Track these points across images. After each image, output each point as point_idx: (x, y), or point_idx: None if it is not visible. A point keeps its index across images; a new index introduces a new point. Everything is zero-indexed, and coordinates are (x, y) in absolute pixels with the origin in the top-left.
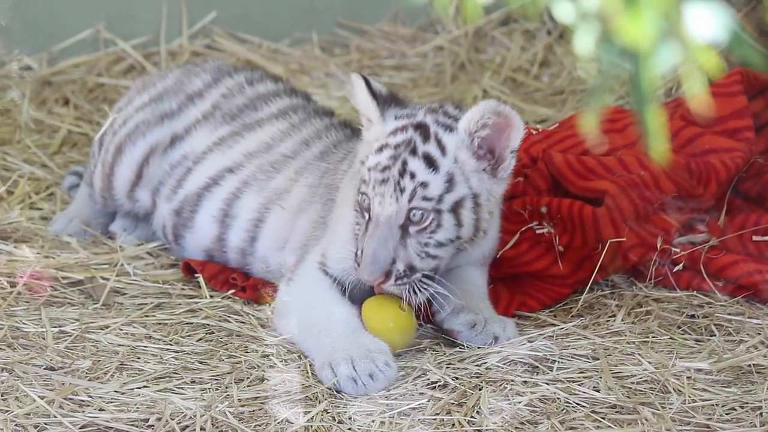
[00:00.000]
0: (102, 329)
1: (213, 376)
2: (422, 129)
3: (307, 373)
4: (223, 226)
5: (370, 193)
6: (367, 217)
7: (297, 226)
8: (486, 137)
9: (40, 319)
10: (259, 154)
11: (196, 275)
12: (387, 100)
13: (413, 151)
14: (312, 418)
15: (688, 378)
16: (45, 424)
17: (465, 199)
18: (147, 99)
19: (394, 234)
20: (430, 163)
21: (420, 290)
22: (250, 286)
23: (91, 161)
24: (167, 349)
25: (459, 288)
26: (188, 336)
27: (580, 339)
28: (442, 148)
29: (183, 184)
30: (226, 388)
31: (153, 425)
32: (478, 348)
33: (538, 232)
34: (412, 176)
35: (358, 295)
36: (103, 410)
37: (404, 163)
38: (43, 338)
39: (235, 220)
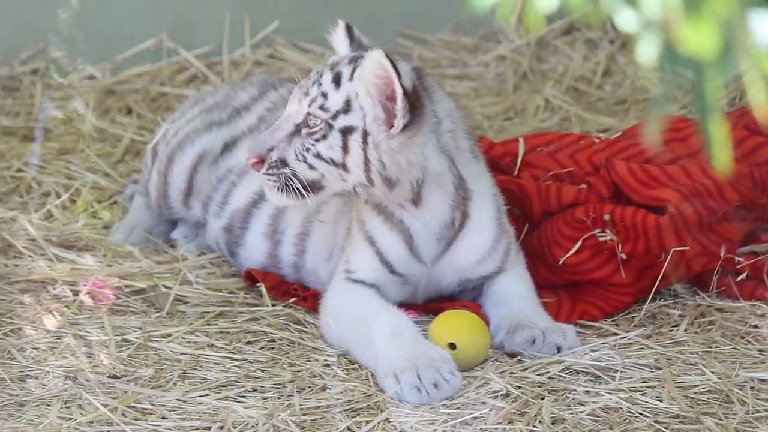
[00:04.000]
0: (164, 337)
1: (275, 384)
2: (353, 58)
3: (369, 382)
4: (273, 241)
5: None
6: None
7: (337, 237)
8: (380, 87)
9: (103, 327)
10: None
11: (258, 284)
12: (367, 48)
13: (331, 68)
14: (374, 427)
15: (751, 388)
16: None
17: (356, 129)
18: (198, 111)
19: (287, 128)
20: (337, 80)
21: (285, 186)
22: (311, 296)
23: (145, 171)
24: (229, 358)
25: (506, 308)
26: (250, 344)
27: (642, 348)
28: (351, 75)
29: (229, 200)
30: (288, 396)
31: None
32: (540, 357)
33: (600, 240)
34: (319, 85)
35: (392, 295)
36: (166, 419)
37: (319, 75)
38: (106, 346)
39: (284, 236)
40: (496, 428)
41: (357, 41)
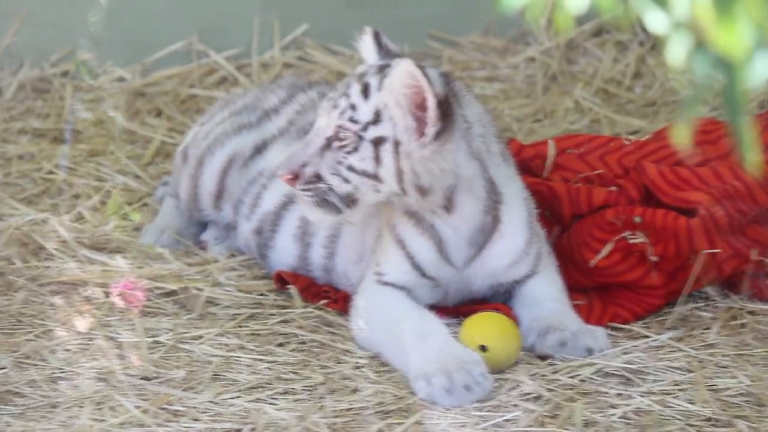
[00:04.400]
0: (196, 339)
1: (306, 386)
2: (381, 67)
3: (400, 384)
4: (304, 244)
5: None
6: None
7: (367, 238)
8: (410, 97)
9: (135, 329)
10: None
11: (288, 286)
12: (395, 55)
13: (359, 79)
14: (405, 430)
15: None
16: None
17: (387, 140)
18: (227, 114)
19: (318, 142)
20: (365, 91)
21: (323, 201)
22: (341, 298)
23: (175, 173)
24: (260, 360)
25: (537, 310)
26: (281, 346)
27: (674, 351)
28: (379, 85)
29: (260, 202)
30: (320, 398)
31: None
32: (572, 360)
33: (631, 242)
34: (348, 97)
35: (423, 298)
36: (197, 420)
37: (347, 87)
38: (138, 348)
39: (314, 238)
40: (528, 431)
41: (385, 48)
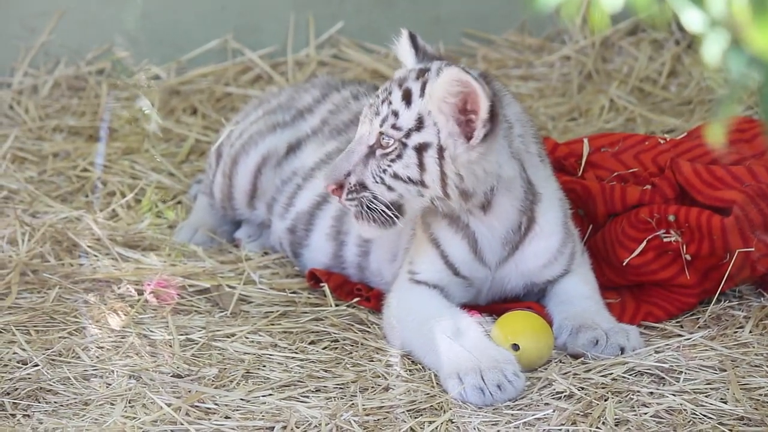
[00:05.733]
0: (228, 337)
1: (338, 384)
2: (421, 71)
3: (432, 382)
4: (338, 243)
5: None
6: None
7: (401, 237)
8: (454, 103)
9: (167, 326)
10: None
11: (321, 284)
12: (432, 57)
13: (399, 85)
14: (437, 428)
15: None
16: (171, 431)
17: (430, 145)
18: (261, 113)
19: (361, 150)
20: (407, 97)
21: (368, 210)
22: (374, 296)
23: (209, 172)
24: (292, 358)
25: (569, 308)
26: (313, 344)
27: (707, 350)
28: (422, 91)
29: (294, 201)
30: (351, 396)
31: None
32: (604, 358)
33: (665, 240)
34: (389, 103)
35: (456, 296)
36: (229, 418)
37: (388, 93)
38: (170, 346)
39: (348, 237)
40: (560, 429)
41: (422, 50)
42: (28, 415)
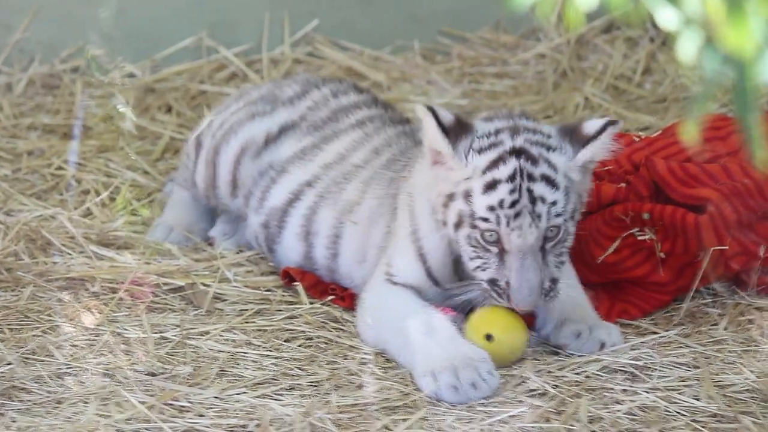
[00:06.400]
0: (202, 335)
1: (312, 382)
2: (524, 154)
3: (406, 380)
4: (308, 243)
5: (503, 229)
6: (496, 249)
7: (371, 239)
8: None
9: (142, 325)
10: (334, 165)
11: (295, 283)
12: (454, 130)
13: (531, 178)
14: (411, 426)
15: None
16: (145, 429)
17: (577, 205)
18: (242, 104)
19: (538, 258)
20: (551, 183)
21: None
22: (348, 296)
23: (188, 162)
24: (267, 356)
25: (554, 302)
26: (287, 342)
27: (681, 347)
28: (554, 168)
29: (267, 196)
30: (325, 394)
31: (252, 431)
32: (579, 356)
33: (639, 238)
34: (543, 200)
35: (432, 296)
36: (203, 416)
37: (530, 192)
38: (145, 344)
39: (317, 238)
40: (533, 427)
41: (446, 126)
42: (1, 414)
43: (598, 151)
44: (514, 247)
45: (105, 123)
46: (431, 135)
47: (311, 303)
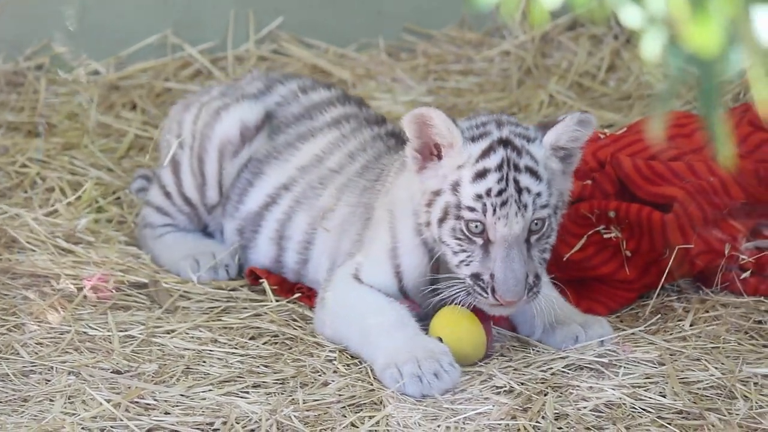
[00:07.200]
0: (168, 333)
1: (277, 380)
2: (510, 144)
3: (371, 377)
4: (279, 247)
5: (489, 219)
6: (481, 241)
7: (341, 246)
8: (567, 146)
9: (107, 322)
10: (310, 168)
11: (261, 281)
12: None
13: (516, 168)
14: (377, 422)
15: (755, 384)
16: (111, 427)
17: (559, 203)
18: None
19: (523, 249)
20: (534, 174)
21: (539, 298)
22: (314, 294)
23: (170, 188)
24: (232, 353)
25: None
26: (253, 340)
27: (647, 344)
28: (535, 159)
29: (244, 200)
30: (291, 392)
31: (218, 429)
32: (545, 353)
33: (605, 236)
34: (528, 191)
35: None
36: (169, 414)
37: (516, 182)
38: (110, 342)
39: (289, 242)
40: (499, 424)
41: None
42: None
43: (561, 134)
44: (499, 237)
45: (69, 120)
46: (440, 128)
47: (277, 301)
